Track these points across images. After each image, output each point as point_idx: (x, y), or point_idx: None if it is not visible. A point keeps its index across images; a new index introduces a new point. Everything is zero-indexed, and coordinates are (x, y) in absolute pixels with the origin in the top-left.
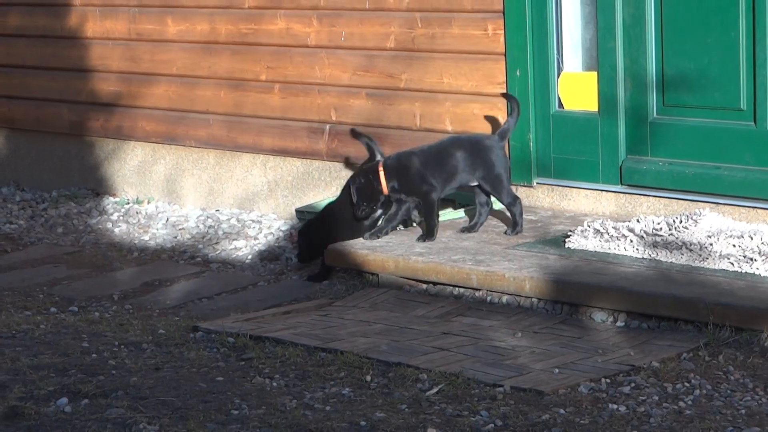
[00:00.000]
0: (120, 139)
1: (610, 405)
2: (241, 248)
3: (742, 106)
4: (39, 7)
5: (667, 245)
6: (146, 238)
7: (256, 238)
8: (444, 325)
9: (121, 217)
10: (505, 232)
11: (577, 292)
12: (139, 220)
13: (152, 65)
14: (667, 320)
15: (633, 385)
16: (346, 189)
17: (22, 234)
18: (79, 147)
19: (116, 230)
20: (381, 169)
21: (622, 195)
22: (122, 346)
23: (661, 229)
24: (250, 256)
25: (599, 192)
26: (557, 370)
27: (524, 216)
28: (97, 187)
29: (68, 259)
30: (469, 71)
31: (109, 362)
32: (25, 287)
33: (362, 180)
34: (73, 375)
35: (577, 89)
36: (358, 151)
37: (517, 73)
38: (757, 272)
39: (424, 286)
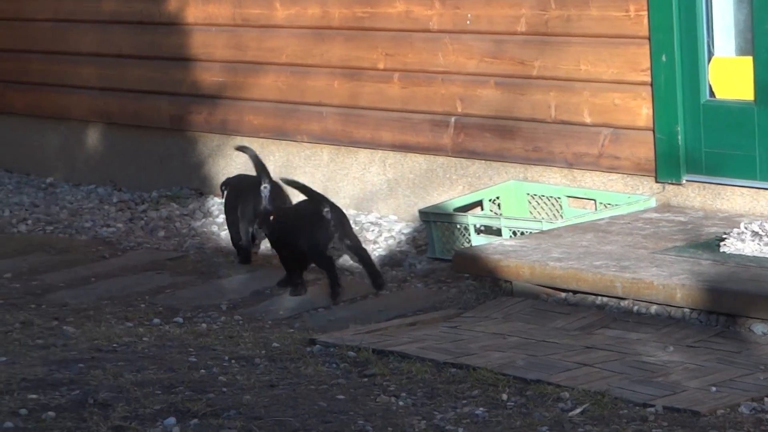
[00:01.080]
0: (225, 135)
1: None
2: None
3: None
4: None
5: None
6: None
7: (375, 242)
8: (586, 338)
9: None
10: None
11: (734, 301)
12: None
13: (259, 53)
14: None
15: None
16: None
17: (120, 238)
18: (181, 143)
19: (222, 234)
20: None
21: None
22: (233, 361)
23: None
24: None
25: (757, 190)
26: (714, 389)
27: (673, 216)
28: (201, 186)
29: (171, 266)
30: (609, 57)
31: (220, 379)
32: (125, 296)
33: None
34: (181, 392)
35: (730, 76)
36: (486, 146)
37: (663, 59)
38: None
39: (563, 294)
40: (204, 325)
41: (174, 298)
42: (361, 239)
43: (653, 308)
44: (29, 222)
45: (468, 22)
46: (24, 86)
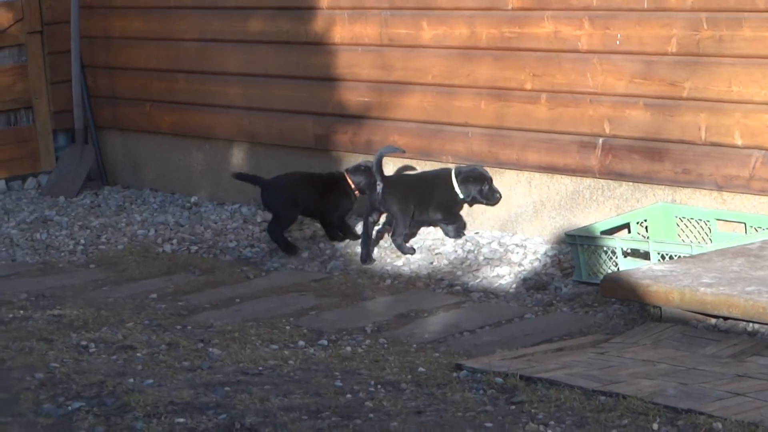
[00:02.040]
0: (370, 154)
1: None
2: (504, 275)
3: None
4: (283, 10)
5: None
6: (400, 263)
7: (520, 265)
8: (738, 365)
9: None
10: None
11: None
12: (391, 244)
13: (405, 73)
14: None
15: None
16: None
17: (264, 258)
18: (326, 163)
19: None
20: None
21: None
22: (379, 386)
23: None
24: (514, 285)
25: None
26: None
27: None
28: None
29: (315, 287)
30: (762, 78)
31: (366, 404)
32: (270, 318)
33: None
34: (327, 418)
35: None
36: (634, 168)
37: None
38: None
39: (714, 320)
40: (349, 348)
41: (318, 320)
42: (505, 261)
43: None
44: (174, 242)
45: (617, 43)
46: (170, 105)
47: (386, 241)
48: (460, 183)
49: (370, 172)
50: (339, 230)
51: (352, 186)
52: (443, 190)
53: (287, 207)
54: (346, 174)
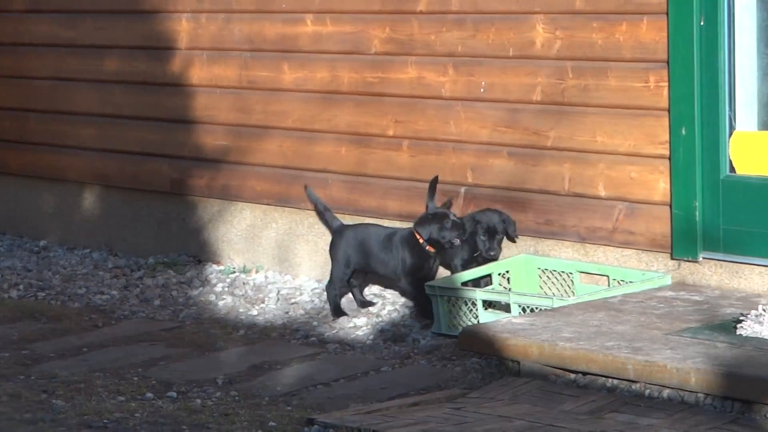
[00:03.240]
0: (226, 200)
1: None
2: (361, 326)
3: None
4: (139, 50)
5: None
6: (254, 313)
7: (378, 315)
8: (595, 422)
9: (226, 289)
10: None
11: (751, 387)
12: (246, 292)
13: (265, 117)
14: None
15: None
16: None
17: (114, 306)
18: (180, 208)
19: (220, 303)
20: None
21: None
22: None
23: None
24: (371, 336)
25: None
26: None
27: (689, 296)
28: (200, 253)
29: (166, 337)
30: (627, 129)
31: None
32: (118, 368)
33: None
34: None
35: (751, 151)
36: None
37: (683, 132)
38: None
39: (573, 376)
40: (199, 400)
41: (168, 371)
42: (363, 312)
43: (666, 392)
44: (21, 287)
45: (482, 90)
46: (21, 146)
47: (241, 290)
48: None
49: None
50: None
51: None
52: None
53: None
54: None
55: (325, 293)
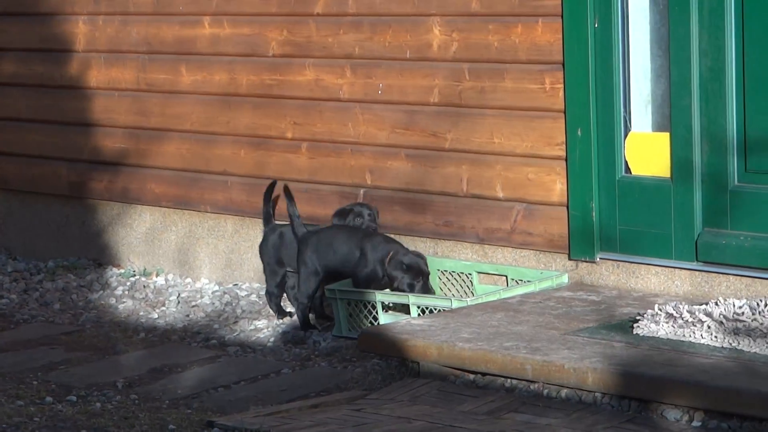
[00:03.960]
0: (126, 203)
1: None
2: (262, 329)
3: None
4: (36, 52)
5: (750, 332)
6: (154, 316)
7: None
8: (494, 422)
9: (127, 292)
10: None
11: (647, 386)
12: (146, 296)
13: (163, 119)
14: (751, 420)
15: None
16: None
17: (13, 310)
18: (80, 211)
19: (120, 307)
20: None
21: (698, 273)
22: None
23: (743, 313)
24: (272, 339)
25: (672, 269)
26: None
27: (586, 296)
28: (100, 256)
29: (66, 340)
30: (524, 130)
31: None
32: (16, 372)
33: None
34: None
35: (646, 152)
36: (396, 219)
37: (579, 133)
38: None
39: (472, 376)
40: (98, 404)
41: (68, 375)
42: (264, 315)
43: (564, 392)
44: None
45: (380, 92)
46: None
47: (142, 293)
48: None
49: None
50: None
51: None
52: None
53: None
54: None
55: (226, 296)
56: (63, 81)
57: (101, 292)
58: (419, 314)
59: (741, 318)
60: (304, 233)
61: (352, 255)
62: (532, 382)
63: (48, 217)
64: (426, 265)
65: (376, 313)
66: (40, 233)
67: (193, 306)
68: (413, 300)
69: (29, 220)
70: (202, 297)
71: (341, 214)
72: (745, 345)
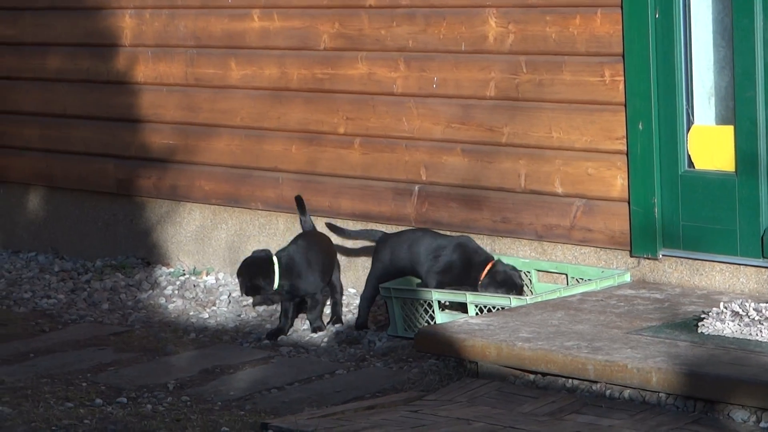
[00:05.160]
0: (175, 201)
1: None
2: None
3: None
4: (83, 47)
5: None
6: (205, 316)
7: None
8: (555, 424)
9: (176, 291)
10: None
11: (712, 386)
12: (196, 295)
13: (212, 115)
14: None
15: None
16: None
17: (61, 310)
18: (128, 209)
19: (170, 306)
20: None
21: (764, 270)
22: None
23: None
24: (326, 339)
25: (737, 266)
26: None
27: (649, 294)
28: (148, 255)
29: (115, 341)
30: (583, 124)
31: None
32: (65, 374)
33: None
34: None
35: (710, 145)
36: (452, 216)
37: (640, 127)
38: None
39: (532, 377)
40: (149, 406)
41: (118, 376)
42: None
43: (627, 392)
44: None
45: (434, 86)
46: None
47: (192, 293)
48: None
49: None
50: None
51: None
52: None
53: None
54: None
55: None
56: (110, 76)
57: (150, 291)
58: (477, 313)
59: None
60: (381, 235)
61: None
62: (594, 382)
63: (95, 215)
64: (520, 278)
65: (432, 312)
66: (87, 232)
67: (245, 305)
68: (471, 299)
69: (76, 218)
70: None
71: None
72: None
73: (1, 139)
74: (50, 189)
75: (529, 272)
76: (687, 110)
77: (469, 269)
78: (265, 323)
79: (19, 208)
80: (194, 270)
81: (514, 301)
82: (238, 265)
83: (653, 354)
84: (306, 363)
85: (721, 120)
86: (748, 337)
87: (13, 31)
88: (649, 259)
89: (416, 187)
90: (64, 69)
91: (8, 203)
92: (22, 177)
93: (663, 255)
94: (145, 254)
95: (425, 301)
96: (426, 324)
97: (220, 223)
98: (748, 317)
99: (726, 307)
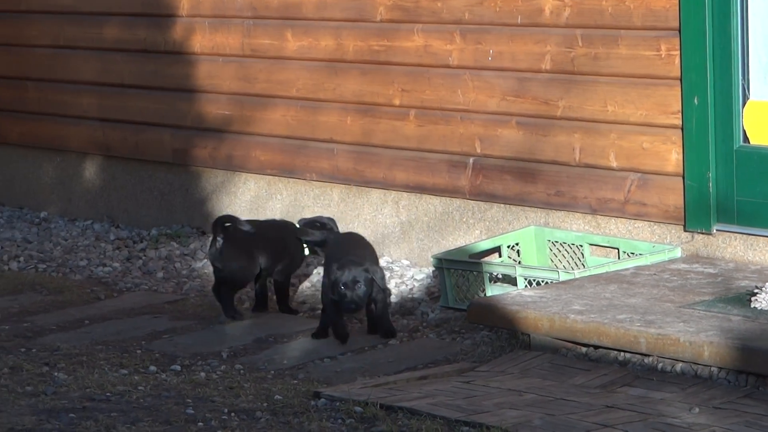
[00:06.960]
0: (230, 171)
1: None
2: None
3: None
4: (140, 17)
5: None
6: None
7: None
8: (607, 396)
9: None
10: None
11: (765, 360)
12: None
13: (268, 86)
14: None
15: None
16: None
17: (116, 278)
18: (183, 178)
19: None
20: None
21: None
22: (233, 414)
23: None
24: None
25: None
26: None
27: (702, 268)
28: (203, 225)
29: (170, 309)
30: (638, 98)
31: None
32: (120, 341)
33: None
34: None
35: (765, 121)
36: (506, 189)
37: (695, 101)
38: None
39: (584, 349)
40: (203, 374)
41: (172, 344)
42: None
43: (679, 366)
44: (21, 259)
45: (490, 59)
46: (20, 115)
47: None
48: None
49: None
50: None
51: None
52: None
53: None
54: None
55: None
56: (166, 46)
57: (205, 260)
58: (526, 286)
59: None
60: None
61: None
62: (646, 355)
63: (151, 184)
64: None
65: (484, 284)
66: (143, 201)
67: (299, 275)
68: (520, 272)
69: (132, 187)
70: (308, 266)
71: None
72: None
73: (59, 108)
74: (107, 158)
75: (581, 246)
76: (743, 85)
77: None
78: (318, 293)
79: (76, 176)
80: None
81: (562, 274)
82: None
83: (705, 328)
84: (359, 333)
85: None
86: None
87: (71, 1)
88: (703, 233)
89: (471, 160)
90: (122, 39)
91: (65, 172)
92: (79, 146)
93: (717, 230)
94: (200, 223)
95: (477, 273)
96: (477, 296)
97: (275, 194)
98: None
99: None
